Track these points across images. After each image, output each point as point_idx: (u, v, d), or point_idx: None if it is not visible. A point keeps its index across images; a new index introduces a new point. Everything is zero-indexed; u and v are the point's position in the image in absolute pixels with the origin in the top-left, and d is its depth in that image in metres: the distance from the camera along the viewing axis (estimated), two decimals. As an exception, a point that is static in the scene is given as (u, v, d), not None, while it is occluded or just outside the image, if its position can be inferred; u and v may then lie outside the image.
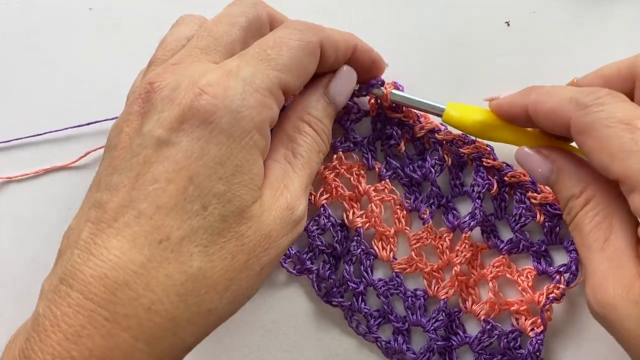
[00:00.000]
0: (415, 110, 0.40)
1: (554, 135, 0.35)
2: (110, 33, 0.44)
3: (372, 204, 0.40)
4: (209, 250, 0.30)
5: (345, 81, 0.37)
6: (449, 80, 0.42)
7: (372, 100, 0.40)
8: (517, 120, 0.35)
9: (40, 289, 0.31)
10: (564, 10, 0.43)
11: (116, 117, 0.42)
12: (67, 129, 0.43)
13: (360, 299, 0.40)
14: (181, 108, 0.30)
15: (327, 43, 0.34)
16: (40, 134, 0.43)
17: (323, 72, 0.37)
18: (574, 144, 0.35)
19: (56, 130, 0.43)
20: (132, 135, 0.31)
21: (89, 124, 0.42)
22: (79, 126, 0.43)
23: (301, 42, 0.33)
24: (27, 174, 0.43)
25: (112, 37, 0.44)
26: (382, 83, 0.39)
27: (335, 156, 0.41)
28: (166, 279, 0.29)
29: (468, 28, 0.43)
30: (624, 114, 0.29)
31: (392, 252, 0.40)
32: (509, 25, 0.43)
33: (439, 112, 0.38)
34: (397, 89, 0.39)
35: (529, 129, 0.36)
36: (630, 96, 0.33)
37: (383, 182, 0.41)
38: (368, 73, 0.38)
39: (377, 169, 0.41)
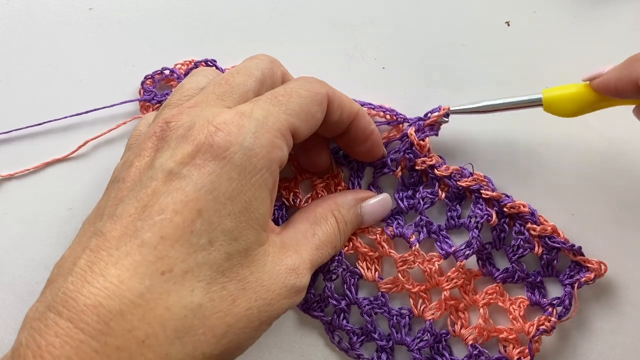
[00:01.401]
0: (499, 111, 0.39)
1: None
2: (110, 33, 0.44)
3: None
4: (211, 288, 0.29)
5: (380, 206, 0.40)
6: (449, 80, 0.43)
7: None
8: (625, 95, 0.34)
9: (23, 319, 0.29)
10: (564, 10, 0.43)
11: (116, 104, 0.42)
12: (66, 117, 0.42)
13: (342, 316, 0.40)
14: (195, 144, 0.30)
15: (333, 97, 0.35)
16: (40, 124, 0.43)
17: (361, 190, 0.40)
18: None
19: (55, 120, 0.43)
20: (142, 170, 0.31)
21: (87, 112, 0.42)
22: (78, 114, 0.42)
23: (310, 92, 0.34)
24: (27, 170, 0.43)
25: (112, 37, 0.44)
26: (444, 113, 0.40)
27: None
28: (165, 312, 0.27)
29: (468, 28, 0.43)
30: None
31: (377, 272, 0.40)
32: (509, 25, 0.43)
33: (537, 103, 0.37)
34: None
35: None
36: None
37: None
38: (364, 143, 0.39)
39: None
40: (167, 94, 0.43)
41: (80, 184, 0.43)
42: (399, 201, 0.40)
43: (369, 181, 0.41)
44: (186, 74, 0.43)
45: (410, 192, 0.41)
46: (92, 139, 0.43)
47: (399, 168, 0.41)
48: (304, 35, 0.44)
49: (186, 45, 0.44)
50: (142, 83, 0.43)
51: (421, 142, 0.40)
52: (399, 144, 0.41)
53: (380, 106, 0.41)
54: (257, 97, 0.33)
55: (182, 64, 0.43)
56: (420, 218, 0.40)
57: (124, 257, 0.28)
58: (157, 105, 0.43)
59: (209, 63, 0.43)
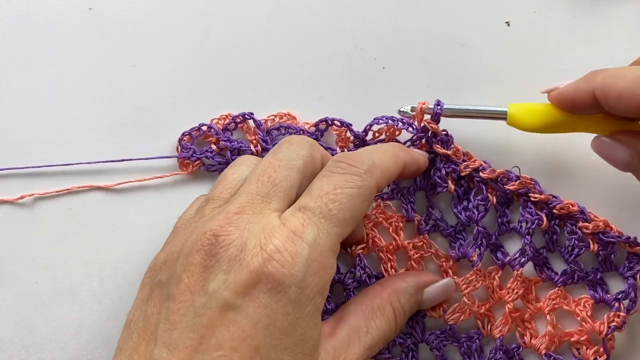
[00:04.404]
0: (475, 119, 0.39)
1: (621, 118, 0.34)
2: (110, 33, 0.44)
3: (412, 261, 0.40)
4: None
5: (444, 292, 0.39)
6: (449, 80, 0.42)
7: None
8: (581, 107, 0.35)
9: None
10: (564, 10, 0.43)
11: (153, 158, 0.42)
12: (98, 162, 0.42)
13: (410, 354, 0.39)
14: (249, 272, 0.30)
15: (382, 180, 0.34)
16: (69, 164, 0.42)
17: (423, 273, 0.39)
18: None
19: (88, 163, 0.42)
20: (194, 290, 0.30)
21: (122, 160, 0.42)
22: (112, 161, 0.42)
23: (360, 190, 0.33)
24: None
25: (112, 37, 0.44)
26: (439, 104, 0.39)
27: (374, 204, 0.40)
28: None
29: (468, 28, 0.43)
30: None
31: (441, 308, 0.39)
32: (509, 25, 0.43)
33: (502, 116, 0.37)
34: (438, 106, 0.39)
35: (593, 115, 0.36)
36: None
37: (421, 236, 0.40)
38: (412, 175, 0.39)
39: (416, 222, 0.40)
40: (206, 150, 0.42)
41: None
42: (458, 215, 0.40)
43: (422, 204, 0.41)
44: (224, 130, 0.42)
45: (465, 204, 0.40)
46: (127, 182, 0.42)
47: (450, 182, 0.40)
48: (304, 35, 0.44)
49: (187, 45, 0.44)
50: (180, 140, 0.42)
51: (450, 148, 0.40)
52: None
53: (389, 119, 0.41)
54: (306, 203, 0.32)
55: (219, 119, 0.42)
56: (478, 230, 0.39)
57: None
58: (196, 162, 0.42)
59: (246, 116, 0.42)
